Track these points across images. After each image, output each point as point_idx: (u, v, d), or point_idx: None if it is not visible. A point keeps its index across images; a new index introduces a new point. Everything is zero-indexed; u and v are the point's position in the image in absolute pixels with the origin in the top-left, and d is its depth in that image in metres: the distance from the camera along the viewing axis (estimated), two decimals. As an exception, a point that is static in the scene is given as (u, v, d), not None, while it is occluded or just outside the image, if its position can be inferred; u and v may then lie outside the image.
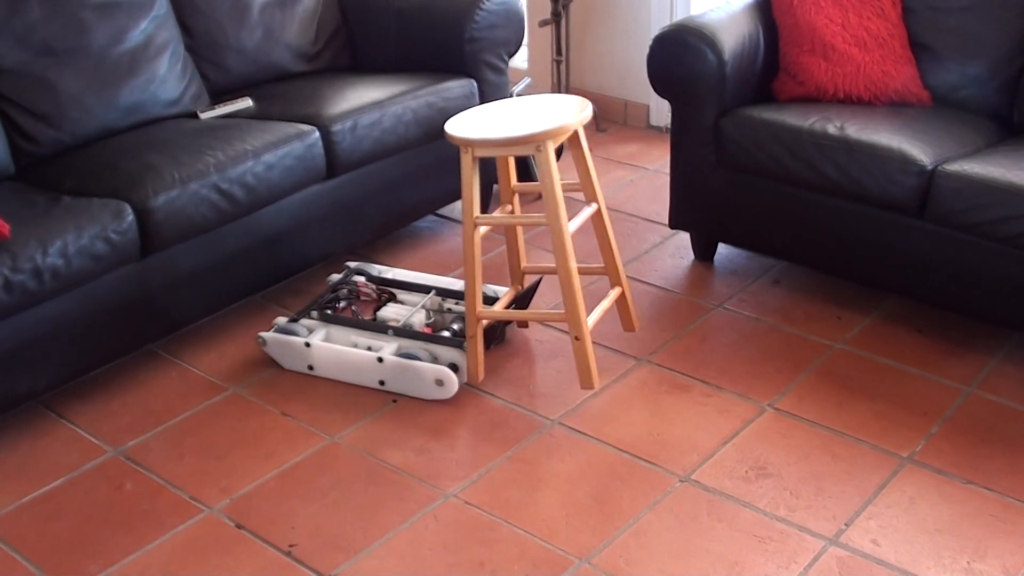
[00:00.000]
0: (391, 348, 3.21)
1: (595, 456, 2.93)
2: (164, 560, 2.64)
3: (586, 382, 3.11)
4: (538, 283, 3.51)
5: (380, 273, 3.61)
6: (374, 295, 3.45)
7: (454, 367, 3.15)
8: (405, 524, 2.72)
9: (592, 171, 3.26)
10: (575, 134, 3.18)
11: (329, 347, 3.25)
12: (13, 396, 3.01)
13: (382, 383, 3.20)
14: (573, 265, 3.05)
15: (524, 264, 3.47)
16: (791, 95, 3.66)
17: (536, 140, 2.99)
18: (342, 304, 3.40)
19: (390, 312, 3.38)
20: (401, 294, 3.49)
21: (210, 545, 2.68)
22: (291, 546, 2.67)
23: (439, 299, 3.44)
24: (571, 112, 3.11)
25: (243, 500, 2.82)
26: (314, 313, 3.36)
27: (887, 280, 3.38)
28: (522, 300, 3.42)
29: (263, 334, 3.32)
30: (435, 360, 3.19)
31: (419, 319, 3.34)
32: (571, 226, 3.09)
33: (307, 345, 3.25)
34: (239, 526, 2.74)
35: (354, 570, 2.58)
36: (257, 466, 2.94)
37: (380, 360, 3.16)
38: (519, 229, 3.47)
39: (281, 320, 3.38)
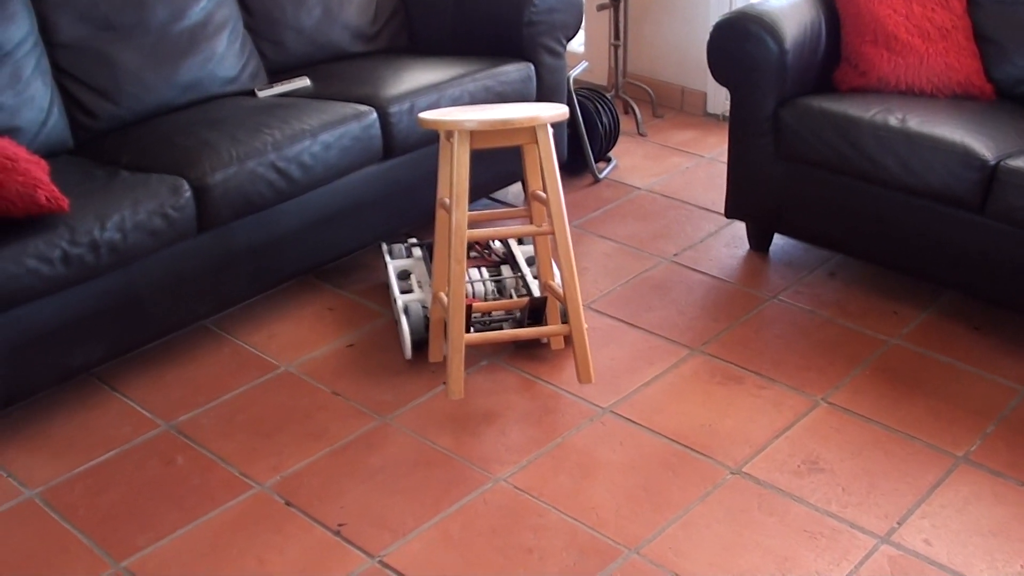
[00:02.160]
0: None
1: (646, 446, 2.92)
2: (213, 535, 2.67)
3: (586, 376, 3.05)
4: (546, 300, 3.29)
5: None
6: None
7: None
8: (454, 507, 2.73)
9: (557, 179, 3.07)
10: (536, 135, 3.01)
11: None
12: (68, 368, 3.05)
13: None
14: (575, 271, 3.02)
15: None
16: (852, 86, 3.62)
17: (535, 123, 2.94)
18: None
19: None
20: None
21: (259, 522, 2.70)
22: (340, 525, 2.68)
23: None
24: (543, 109, 3.07)
25: (293, 478, 2.84)
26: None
27: (945, 275, 3.35)
28: (536, 314, 3.27)
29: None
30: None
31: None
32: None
33: None
34: (288, 504, 2.76)
35: (402, 551, 2.60)
36: (307, 445, 2.96)
37: None
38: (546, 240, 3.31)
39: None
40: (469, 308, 3.06)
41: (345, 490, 2.79)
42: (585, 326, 3.05)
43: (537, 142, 2.96)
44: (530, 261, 3.59)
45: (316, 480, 2.83)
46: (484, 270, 3.49)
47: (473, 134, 2.93)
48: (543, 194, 3.04)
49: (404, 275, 3.54)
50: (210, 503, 2.77)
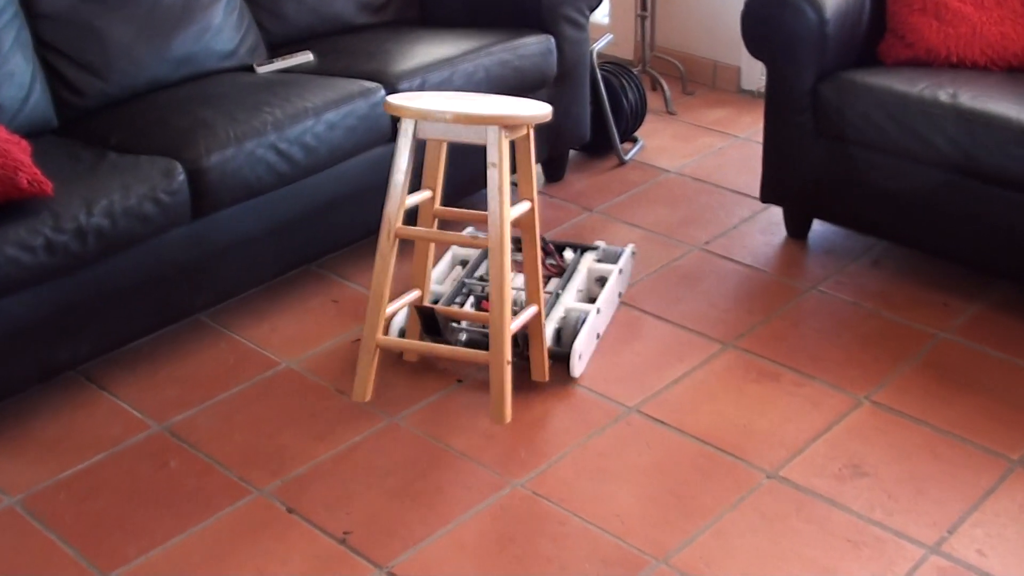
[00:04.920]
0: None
1: (675, 447, 2.92)
2: (210, 544, 2.67)
3: (498, 416, 2.99)
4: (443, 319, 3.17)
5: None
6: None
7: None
8: (468, 514, 2.73)
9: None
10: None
11: None
12: (53, 364, 3.06)
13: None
14: (508, 293, 2.94)
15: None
16: (898, 58, 3.61)
17: (507, 122, 2.92)
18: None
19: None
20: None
21: (259, 529, 2.71)
22: (346, 533, 2.69)
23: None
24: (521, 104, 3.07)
25: (295, 482, 2.85)
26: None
27: (999, 264, 3.33)
28: (430, 324, 3.12)
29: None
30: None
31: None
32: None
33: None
34: (291, 510, 2.76)
35: (413, 561, 2.60)
36: (311, 446, 2.97)
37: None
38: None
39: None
40: (429, 311, 3.06)
41: (351, 495, 2.79)
42: (508, 359, 2.95)
43: (498, 146, 2.92)
44: (602, 280, 3.45)
45: (320, 485, 2.84)
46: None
47: (421, 125, 3.00)
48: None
49: None
50: (206, 510, 2.77)
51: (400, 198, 2.98)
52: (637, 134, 4.60)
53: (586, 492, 2.78)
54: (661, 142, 4.59)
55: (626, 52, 5.33)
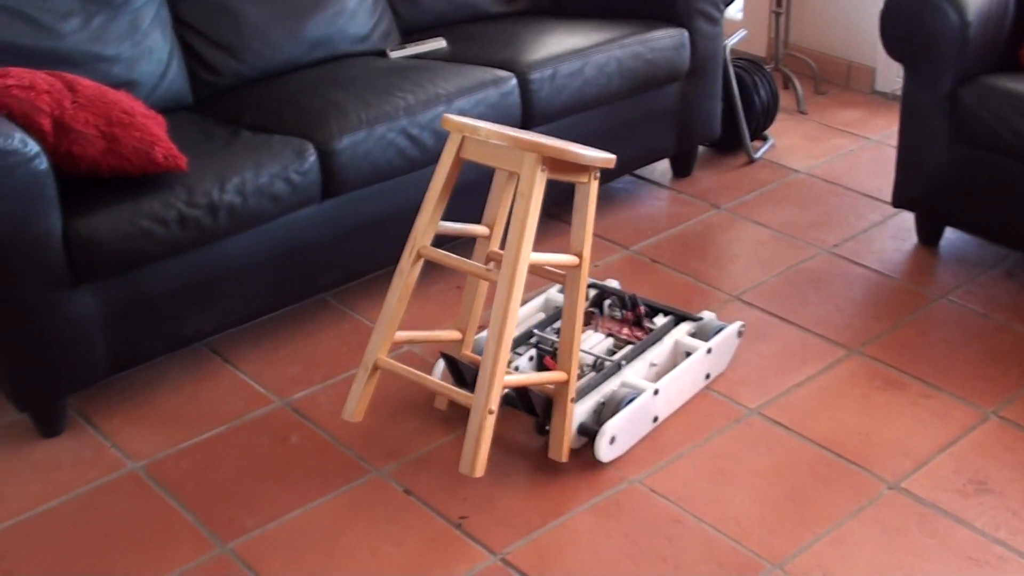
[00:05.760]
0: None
1: (795, 452, 2.91)
2: (326, 521, 2.73)
3: (468, 466, 2.59)
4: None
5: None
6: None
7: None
8: (584, 506, 2.75)
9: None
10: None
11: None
12: (179, 337, 3.14)
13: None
14: (510, 333, 2.61)
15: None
16: (1044, 66, 3.55)
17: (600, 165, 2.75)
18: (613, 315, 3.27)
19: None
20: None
21: (375, 509, 2.76)
22: (462, 518, 2.72)
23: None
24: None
25: (413, 465, 2.89)
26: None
27: None
28: (454, 370, 3.02)
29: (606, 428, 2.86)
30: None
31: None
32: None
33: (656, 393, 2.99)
34: (407, 492, 2.81)
35: (526, 550, 2.63)
36: (430, 430, 3.01)
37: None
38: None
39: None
40: (451, 358, 2.96)
41: (468, 481, 2.83)
42: (492, 408, 2.57)
43: (531, 177, 2.64)
44: (688, 351, 3.13)
45: (437, 468, 2.88)
46: (608, 337, 3.17)
47: (467, 144, 2.78)
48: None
49: None
50: (324, 487, 2.83)
51: (430, 215, 2.78)
52: (767, 132, 4.58)
53: (703, 492, 2.79)
54: (791, 141, 4.57)
55: (759, 49, 5.30)
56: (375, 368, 2.78)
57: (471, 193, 3.39)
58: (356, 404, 2.79)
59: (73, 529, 2.74)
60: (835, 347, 3.30)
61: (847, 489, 2.79)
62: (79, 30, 3.32)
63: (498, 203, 2.98)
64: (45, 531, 2.73)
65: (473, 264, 2.79)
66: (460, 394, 2.68)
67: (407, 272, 2.79)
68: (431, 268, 3.65)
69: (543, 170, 2.64)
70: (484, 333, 3.14)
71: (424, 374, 2.77)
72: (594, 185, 2.77)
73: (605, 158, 2.75)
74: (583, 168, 2.74)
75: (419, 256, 2.80)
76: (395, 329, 2.80)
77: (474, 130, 2.73)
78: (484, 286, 3.01)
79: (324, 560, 2.62)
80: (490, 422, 2.57)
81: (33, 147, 2.73)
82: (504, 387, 2.64)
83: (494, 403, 2.58)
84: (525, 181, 2.63)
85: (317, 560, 2.62)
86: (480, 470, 2.57)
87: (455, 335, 3.02)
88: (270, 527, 2.72)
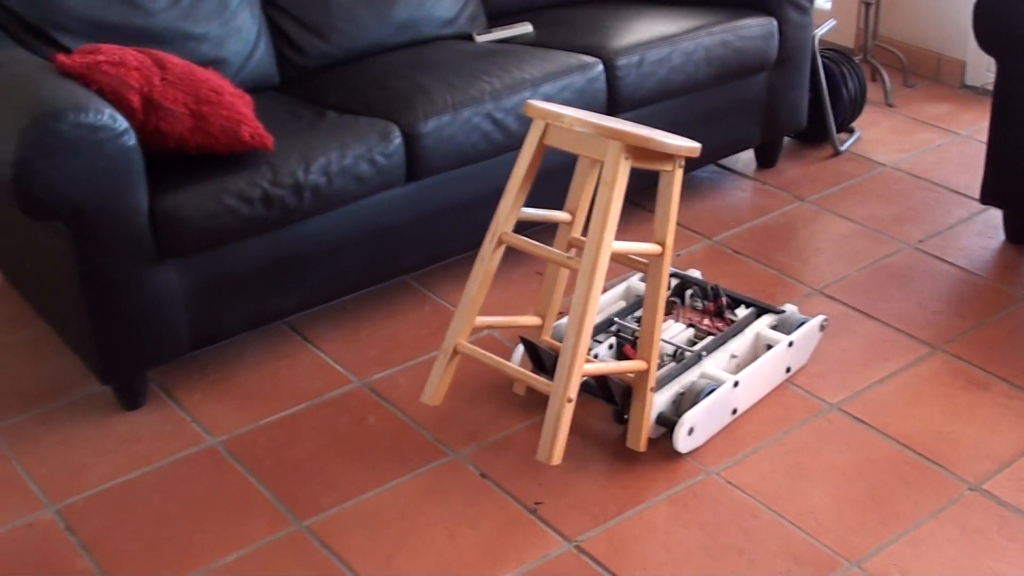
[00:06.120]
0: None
1: (875, 449, 2.89)
2: (402, 501, 2.75)
3: (545, 454, 2.58)
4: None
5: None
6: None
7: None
8: (660, 496, 2.75)
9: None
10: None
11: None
12: (260, 314, 3.18)
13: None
14: (590, 322, 2.60)
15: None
16: None
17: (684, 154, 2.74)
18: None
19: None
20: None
21: (452, 491, 2.78)
22: (537, 504, 2.73)
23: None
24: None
25: (490, 449, 2.91)
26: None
27: None
28: (534, 356, 3.04)
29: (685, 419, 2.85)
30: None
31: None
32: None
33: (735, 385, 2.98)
34: (484, 475, 2.82)
35: (601, 538, 2.63)
36: (509, 414, 3.02)
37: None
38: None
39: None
40: (531, 344, 2.94)
41: (544, 467, 2.84)
42: (571, 401, 2.57)
43: (614, 164, 2.63)
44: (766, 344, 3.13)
45: (514, 453, 2.89)
46: (688, 328, 3.16)
47: (550, 131, 2.76)
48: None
49: None
50: (401, 467, 2.85)
51: (512, 201, 2.78)
52: (854, 124, 4.54)
53: (781, 486, 2.77)
54: (878, 134, 4.52)
55: (847, 39, 5.24)
56: (455, 353, 2.79)
57: (553, 179, 3.39)
58: (435, 388, 2.80)
59: (152, 501, 2.78)
60: (918, 344, 3.27)
61: (927, 489, 2.76)
62: (169, 8, 3.36)
63: (580, 190, 2.98)
64: (125, 502, 2.78)
65: (554, 251, 2.78)
66: (539, 382, 2.68)
67: (488, 258, 2.79)
68: (512, 253, 3.66)
69: (627, 158, 2.63)
70: (564, 320, 3.14)
71: (503, 360, 2.77)
72: (678, 174, 2.76)
73: (690, 146, 2.73)
74: (667, 156, 2.73)
75: (500, 242, 2.80)
76: (475, 314, 2.80)
77: (557, 117, 2.73)
78: (565, 273, 3.01)
79: (399, 540, 2.64)
80: (568, 411, 2.56)
81: (122, 123, 2.77)
82: (583, 375, 2.64)
83: (573, 392, 2.57)
84: (608, 169, 2.62)
85: (392, 540, 2.64)
86: (557, 458, 2.56)
87: (535, 321, 3.02)
88: (346, 506, 2.75)
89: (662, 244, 2.77)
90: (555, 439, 2.56)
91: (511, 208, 2.80)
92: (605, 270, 2.61)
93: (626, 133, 2.61)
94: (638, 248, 2.72)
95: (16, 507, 2.78)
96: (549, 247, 2.82)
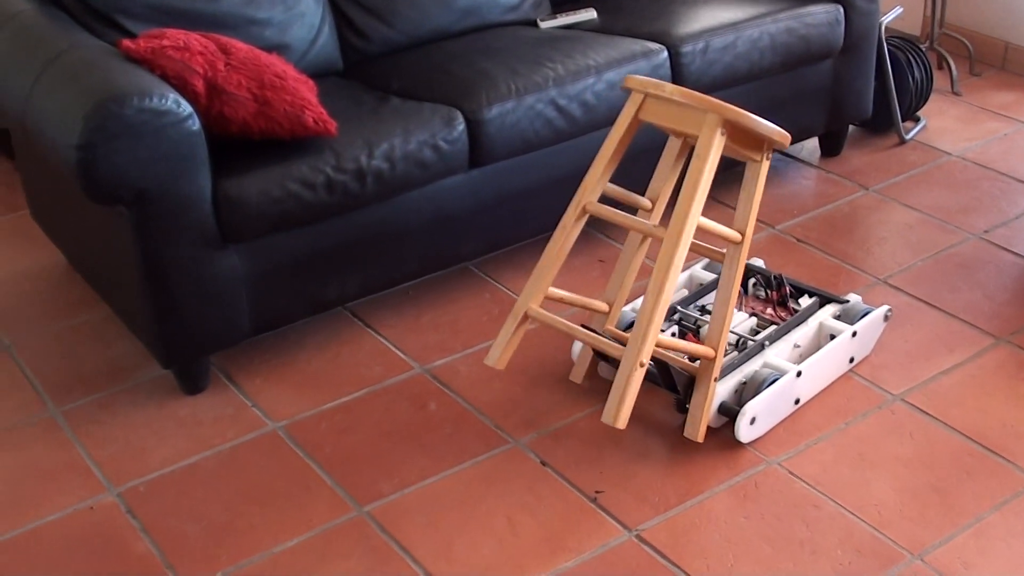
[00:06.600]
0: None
1: (939, 441, 2.86)
2: (462, 488, 2.76)
3: (611, 416, 2.56)
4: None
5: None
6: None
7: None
8: (721, 486, 2.74)
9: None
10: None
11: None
12: (322, 300, 3.19)
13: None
14: (671, 288, 2.61)
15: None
16: None
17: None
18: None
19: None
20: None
21: (512, 479, 2.78)
22: (597, 492, 2.74)
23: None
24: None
25: (551, 437, 2.91)
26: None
27: None
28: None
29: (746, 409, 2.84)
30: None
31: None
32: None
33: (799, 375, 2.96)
34: (544, 463, 2.83)
35: (662, 528, 2.63)
36: (569, 403, 3.03)
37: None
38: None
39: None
40: (592, 330, 2.84)
41: (604, 456, 2.84)
42: (643, 365, 2.56)
43: (709, 137, 2.63)
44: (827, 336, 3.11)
45: (574, 442, 2.89)
46: (751, 317, 3.14)
47: (647, 104, 2.77)
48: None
49: None
50: (461, 454, 2.86)
51: (600, 173, 2.78)
52: (920, 113, 4.49)
53: (843, 477, 2.76)
54: (944, 123, 4.47)
55: (914, 27, 5.19)
56: (525, 317, 2.79)
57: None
58: (501, 351, 2.80)
59: (213, 484, 2.81)
60: (983, 335, 3.24)
61: (991, 481, 2.74)
62: (233, -7, 3.39)
63: (664, 178, 2.98)
64: (186, 485, 2.81)
65: (638, 220, 2.76)
66: (611, 346, 2.68)
67: (570, 226, 2.80)
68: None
69: (723, 133, 2.64)
70: (629, 307, 3.14)
71: (574, 324, 2.78)
72: (765, 165, 2.77)
73: (781, 132, 2.73)
74: (756, 147, 2.74)
75: (584, 211, 2.80)
76: (549, 282, 2.80)
77: (658, 86, 2.72)
78: (637, 260, 3.00)
79: (459, 526, 2.65)
80: (639, 375, 2.56)
81: (186, 108, 2.79)
82: (656, 346, 2.63)
83: (646, 356, 2.56)
84: (703, 142, 2.63)
85: (452, 526, 2.66)
86: (623, 421, 2.54)
87: (603, 306, 3.02)
88: (406, 492, 2.76)
89: (742, 232, 2.77)
90: (622, 401, 2.55)
91: (598, 179, 2.80)
92: (690, 240, 2.63)
93: (725, 107, 2.62)
94: (721, 229, 2.73)
95: (78, 490, 2.82)
96: (633, 216, 2.83)
